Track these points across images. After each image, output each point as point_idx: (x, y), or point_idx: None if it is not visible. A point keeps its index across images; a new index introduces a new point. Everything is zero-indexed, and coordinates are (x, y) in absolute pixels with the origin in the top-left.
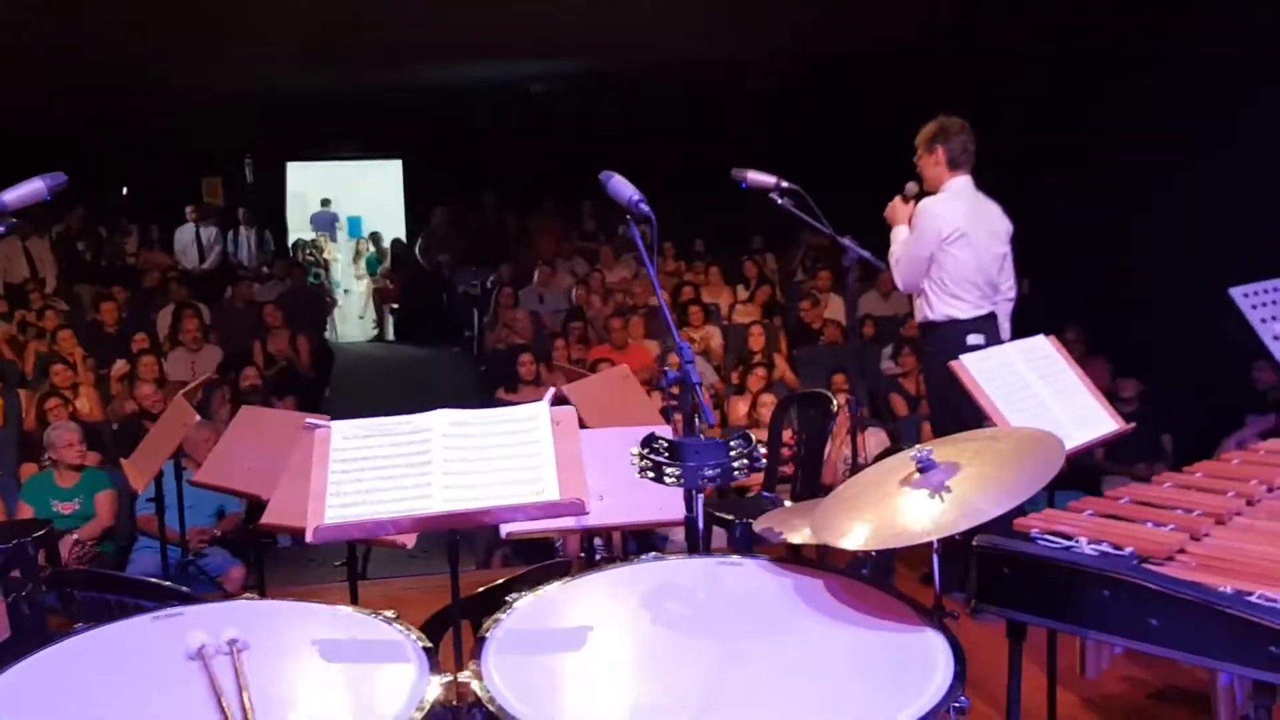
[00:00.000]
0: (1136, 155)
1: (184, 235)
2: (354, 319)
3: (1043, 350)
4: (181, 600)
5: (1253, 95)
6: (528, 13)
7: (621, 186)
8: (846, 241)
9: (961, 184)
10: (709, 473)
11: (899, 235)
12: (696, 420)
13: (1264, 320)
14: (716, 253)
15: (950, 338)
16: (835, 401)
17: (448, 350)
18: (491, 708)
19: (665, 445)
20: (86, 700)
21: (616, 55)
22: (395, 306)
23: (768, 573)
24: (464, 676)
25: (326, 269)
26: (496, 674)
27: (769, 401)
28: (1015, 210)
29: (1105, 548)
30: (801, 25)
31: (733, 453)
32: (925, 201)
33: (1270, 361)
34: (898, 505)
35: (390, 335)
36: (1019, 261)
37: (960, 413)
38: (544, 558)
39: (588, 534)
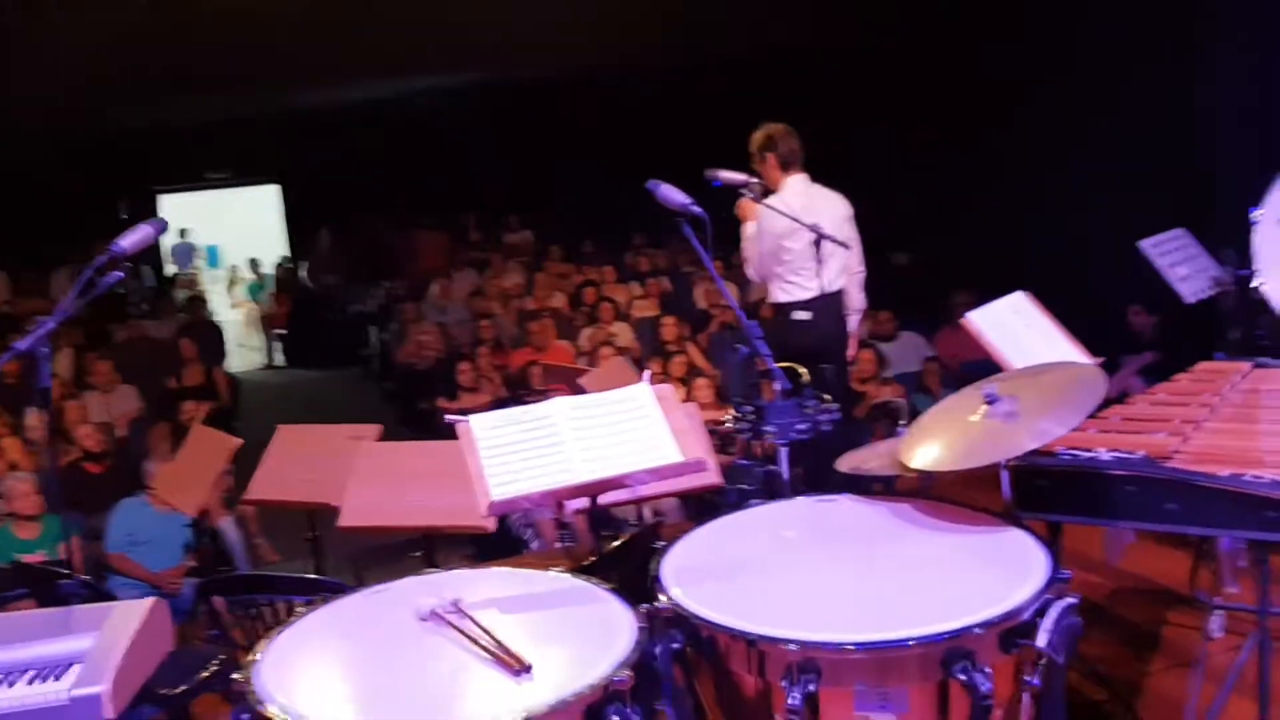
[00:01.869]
0: (1005, 135)
1: (61, 278)
2: (235, 349)
3: (1024, 304)
4: (337, 590)
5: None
6: (400, 30)
7: (671, 193)
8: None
9: (795, 182)
10: (800, 427)
11: (748, 231)
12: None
13: (1171, 265)
14: (605, 253)
15: (784, 315)
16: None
17: (346, 371)
18: (695, 621)
19: (752, 409)
20: (357, 656)
21: (492, 69)
22: (281, 332)
23: (861, 504)
24: (660, 604)
25: (203, 300)
26: (684, 596)
27: (703, 385)
28: (889, 190)
29: (1120, 454)
30: (674, 36)
31: (808, 410)
32: (767, 200)
33: (1144, 305)
34: (978, 433)
35: (280, 361)
36: (902, 236)
37: None
38: (510, 553)
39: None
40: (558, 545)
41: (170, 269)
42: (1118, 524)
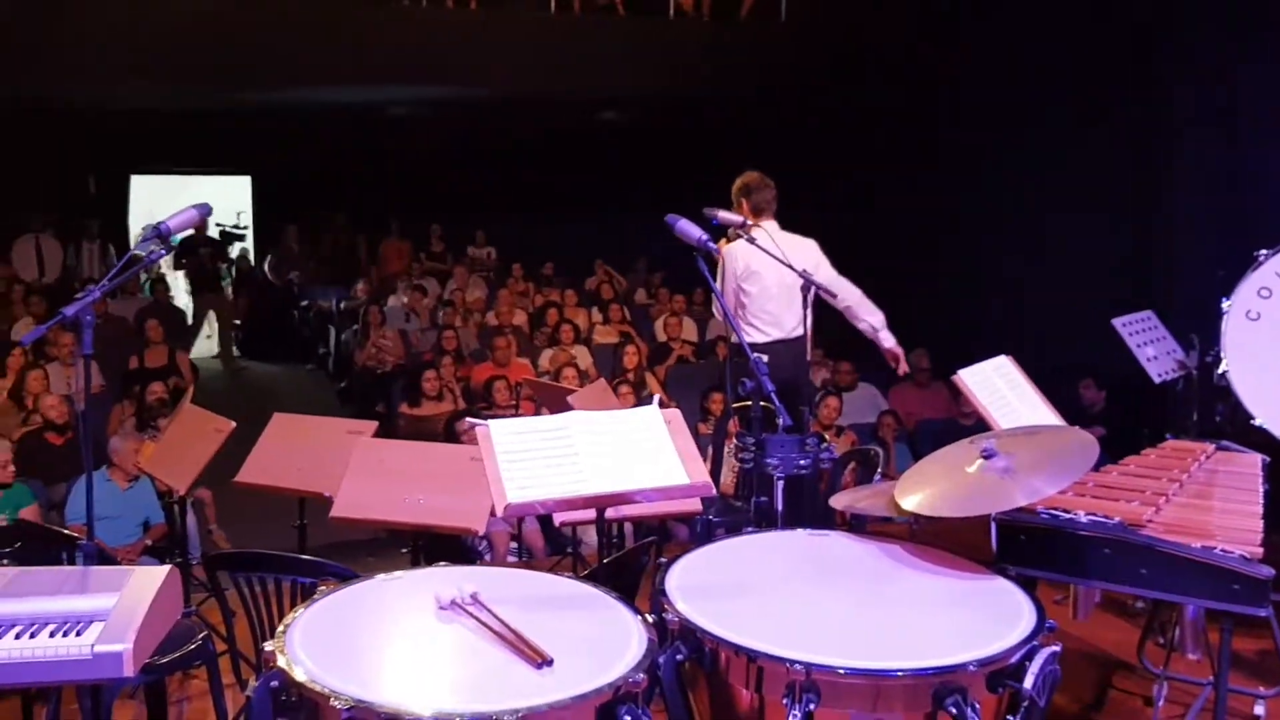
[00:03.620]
0: (966, 199)
1: (23, 247)
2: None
3: (1008, 367)
4: (345, 577)
5: (1085, 149)
6: (381, 38)
7: (689, 228)
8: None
9: (761, 230)
10: (803, 463)
11: (719, 273)
12: (779, 420)
13: (1139, 345)
14: (563, 275)
15: (744, 359)
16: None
17: (299, 368)
18: (700, 634)
19: (754, 441)
20: (382, 636)
21: (475, 83)
22: (238, 323)
23: (854, 541)
24: (668, 616)
25: (166, 283)
26: (690, 611)
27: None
28: (854, 247)
29: (1097, 518)
30: (649, 64)
31: (808, 448)
32: (728, 245)
33: (1094, 380)
34: (974, 484)
35: (234, 352)
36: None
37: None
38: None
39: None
40: (509, 559)
41: (138, 251)
42: (1090, 583)
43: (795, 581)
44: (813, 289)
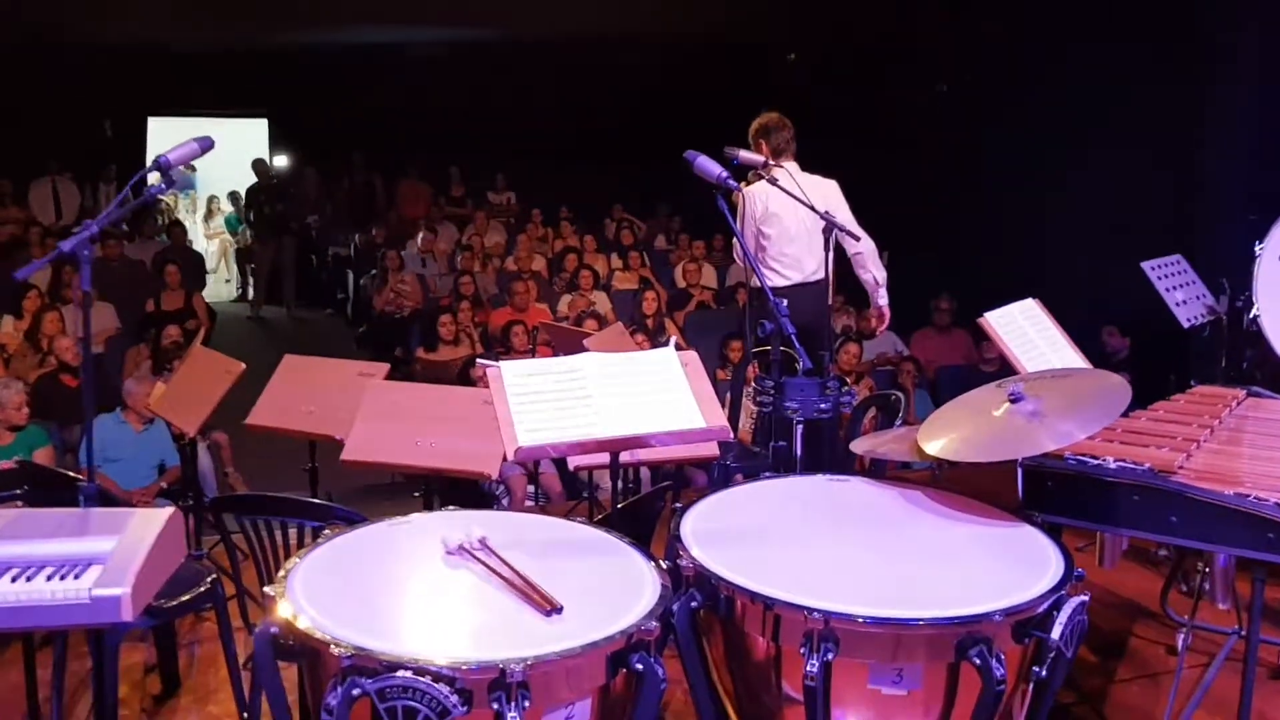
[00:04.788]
0: (993, 147)
1: (40, 190)
2: (208, 280)
3: (1035, 310)
4: (352, 521)
5: (1116, 95)
6: None
7: (709, 164)
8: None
9: (782, 171)
10: (823, 405)
11: (739, 216)
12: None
13: (1168, 290)
14: (583, 221)
15: (763, 303)
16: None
17: (319, 313)
18: (715, 581)
19: (773, 385)
20: (386, 581)
21: (494, 24)
22: (254, 266)
23: (874, 487)
24: (682, 562)
25: (183, 226)
26: (705, 557)
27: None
28: (882, 194)
29: (1126, 464)
30: (679, 11)
31: (828, 392)
32: (747, 187)
33: (1118, 327)
34: (1001, 428)
35: (252, 295)
36: (884, 240)
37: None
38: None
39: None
40: (528, 503)
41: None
42: (1120, 531)
43: (814, 528)
44: (835, 231)
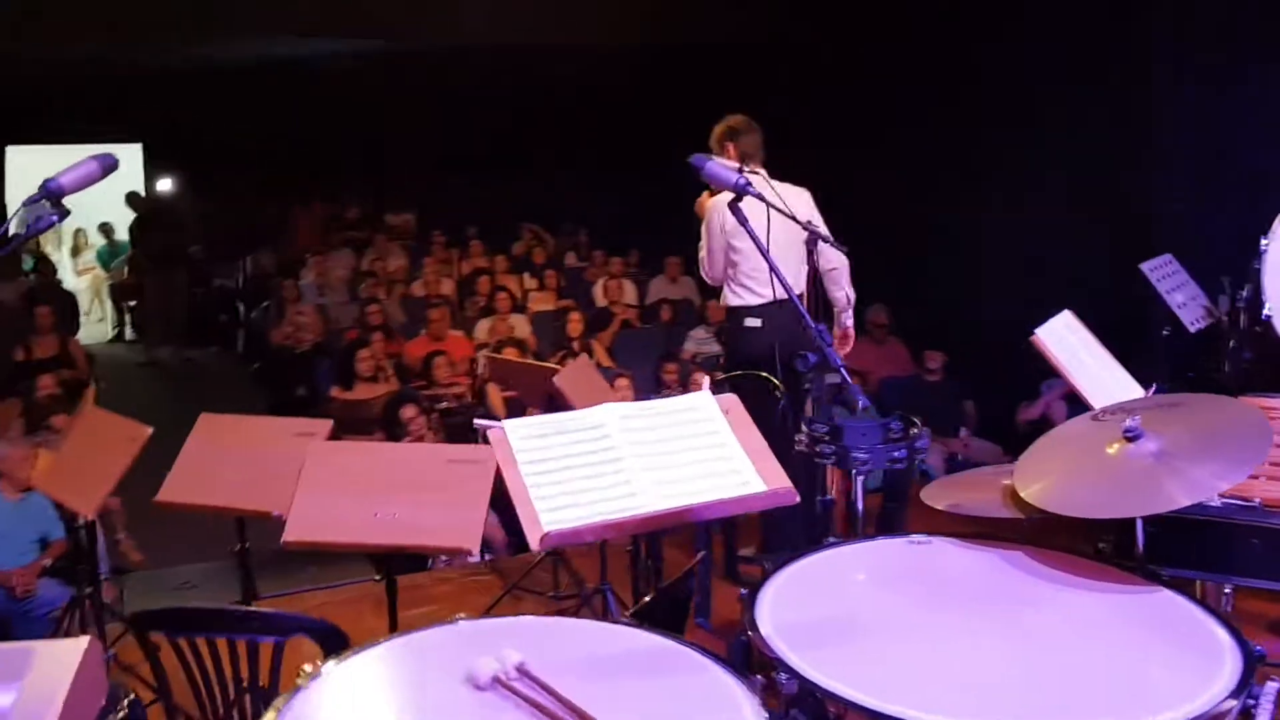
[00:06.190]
0: (922, 142)
1: None
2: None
3: (1075, 323)
4: (327, 633)
5: (1053, 94)
6: None
7: (720, 170)
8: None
9: (756, 177)
10: (896, 454)
11: (704, 229)
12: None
13: (1168, 291)
14: (488, 239)
15: (736, 321)
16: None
17: (204, 349)
18: (821, 695)
19: (827, 429)
20: None
21: (381, 36)
22: (134, 303)
23: (962, 550)
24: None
25: (51, 263)
26: (807, 665)
27: (625, 385)
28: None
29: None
30: (586, 18)
31: (895, 437)
32: (714, 197)
33: None
34: (1119, 473)
35: (130, 334)
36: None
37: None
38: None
39: None
40: (470, 559)
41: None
42: (1248, 581)
43: (921, 612)
44: (818, 244)
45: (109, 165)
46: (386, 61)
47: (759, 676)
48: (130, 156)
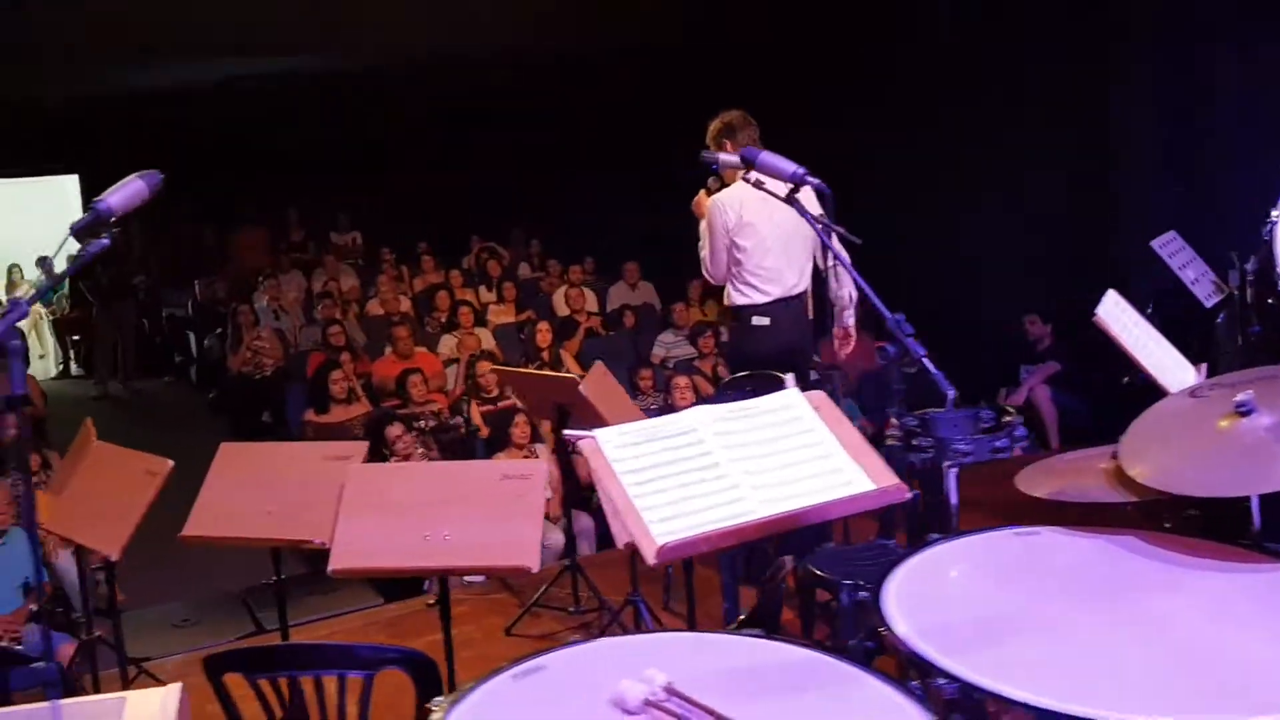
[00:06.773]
0: (883, 132)
1: None
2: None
3: (1123, 302)
4: (419, 663)
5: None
6: (223, 11)
7: (777, 160)
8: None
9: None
10: (999, 444)
11: (703, 228)
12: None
13: (1180, 267)
14: (442, 255)
15: (742, 319)
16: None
17: (157, 381)
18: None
19: (917, 423)
20: None
21: (319, 54)
22: (77, 338)
23: (1071, 538)
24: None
25: None
26: (968, 668)
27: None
28: None
29: None
30: (510, 27)
31: (987, 427)
32: (715, 195)
33: (1040, 315)
34: (1233, 449)
35: (76, 370)
36: None
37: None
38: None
39: None
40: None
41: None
42: None
43: (1052, 604)
44: (832, 238)
45: (154, 184)
46: (324, 81)
47: (915, 683)
48: (67, 187)
